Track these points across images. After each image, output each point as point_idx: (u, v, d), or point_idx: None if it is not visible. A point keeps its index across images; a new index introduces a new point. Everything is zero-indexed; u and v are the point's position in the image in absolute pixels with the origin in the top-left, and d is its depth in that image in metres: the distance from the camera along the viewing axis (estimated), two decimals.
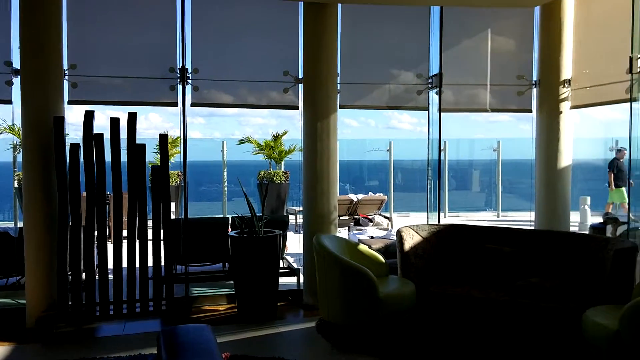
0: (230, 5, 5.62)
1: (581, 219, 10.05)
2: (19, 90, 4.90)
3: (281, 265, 5.91)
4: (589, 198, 10.30)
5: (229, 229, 5.92)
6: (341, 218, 9.38)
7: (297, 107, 5.61)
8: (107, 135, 4.95)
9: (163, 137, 5.31)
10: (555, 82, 5.75)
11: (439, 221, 5.85)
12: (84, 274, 4.98)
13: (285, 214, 9.57)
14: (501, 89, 6.03)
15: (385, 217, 9.49)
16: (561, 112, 5.77)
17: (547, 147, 5.82)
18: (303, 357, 4.28)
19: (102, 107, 5.40)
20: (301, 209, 5.85)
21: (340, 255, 4.26)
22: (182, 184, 5.82)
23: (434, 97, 5.88)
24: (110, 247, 5.02)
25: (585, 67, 5.62)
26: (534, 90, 5.95)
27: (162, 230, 5.09)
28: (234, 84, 5.56)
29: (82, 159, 4.91)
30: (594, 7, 5.57)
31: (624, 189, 10.47)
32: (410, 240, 4.92)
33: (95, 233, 4.98)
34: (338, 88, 5.55)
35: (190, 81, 5.38)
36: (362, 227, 8.15)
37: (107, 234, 6.29)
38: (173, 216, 8.80)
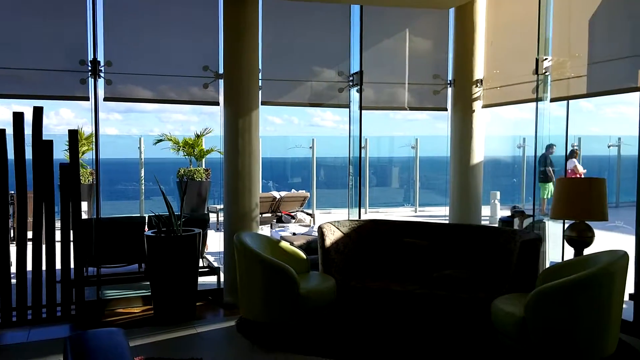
0: None
1: (491, 212, 10.62)
2: None
3: (201, 264, 5.76)
4: (498, 193, 10.91)
5: (146, 228, 5.69)
6: (264, 215, 9.32)
7: (217, 103, 5.48)
8: (10, 132, 4.61)
9: (73, 133, 5.02)
10: (468, 82, 6.01)
11: (359, 217, 5.95)
12: None
13: (206, 212, 9.35)
14: (418, 88, 6.21)
15: (307, 213, 9.53)
16: (474, 111, 6.04)
17: (460, 144, 6.07)
18: (222, 356, 4.21)
19: (7, 101, 5.02)
20: (222, 206, 5.73)
21: (261, 253, 4.22)
22: (95, 182, 5.52)
23: (355, 94, 5.96)
24: (13, 249, 4.67)
25: (495, 67, 5.92)
26: (449, 90, 6.18)
27: (71, 231, 4.80)
28: (152, 78, 5.34)
29: None
30: (504, 10, 5.88)
31: (550, 184, 11.26)
32: (332, 236, 4.96)
33: None
34: (260, 84, 5.48)
35: (102, 74, 5.11)
36: (285, 224, 8.14)
37: (12, 235, 5.84)
38: (85, 216, 8.37)
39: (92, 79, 5.08)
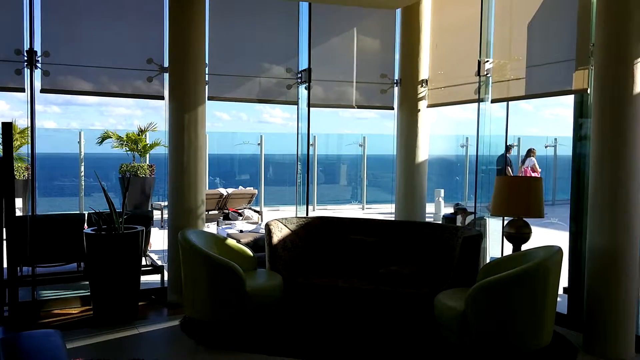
0: None
1: (436, 210, 10.90)
2: None
3: (144, 262, 5.60)
4: (442, 191, 11.21)
5: (85, 226, 5.47)
6: (210, 212, 9.16)
7: (162, 98, 5.34)
8: None
9: (6, 126, 4.74)
10: (414, 82, 6.12)
11: (307, 214, 5.95)
12: None
13: (150, 209, 9.10)
14: (366, 87, 6.28)
15: (255, 211, 9.46)
16: (419, 110, 6.16)
17: (406, 143, 6.18)
18: (165, 357, 4.11)
19: None
20: (167, 203, 5.59)
21: (206, 250, 4.14)
22: (31, 177, 5.26)
23: (303, 92, 5.95)
24: None
25: (440, 68, 6.06)
26: (396, 89, 6.28)
27: (4, 229, 4.55)
28: (93, 70, 5.13)
29: None
30: (448, 13, 6.03)
31: None
32: (279, 233, 4.94)
33: None
34: (207, 79, 5.38)
35: (39, 65, 4.88)
36: (232, 222, 8.04)
37: None
38: (20, 213, 7.97)
39: (28, 70, 4.85)
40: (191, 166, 5.19)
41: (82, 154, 10.26)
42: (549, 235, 7.54)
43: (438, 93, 6.08)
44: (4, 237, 4.60)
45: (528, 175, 11.53)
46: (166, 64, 5.24)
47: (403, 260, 4.91)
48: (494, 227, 5.62)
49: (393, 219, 6.21)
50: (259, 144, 12.63)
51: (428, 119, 6.24)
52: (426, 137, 6.23)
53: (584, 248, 4.33)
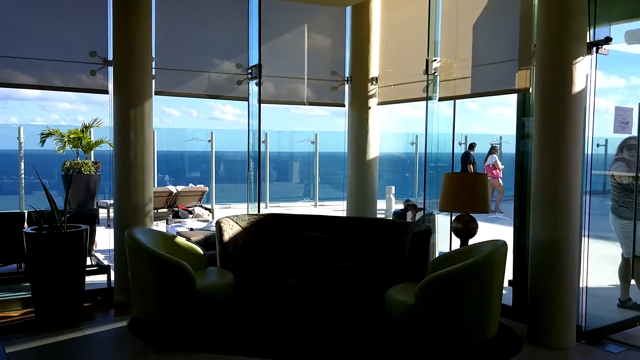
0: None
1: (387, 206, 11.06)
2: None
3: (89, 262, 5.42)
4: (393, 187, 11.39)
5: (25, 225, 5.23)
6: (159, 211, 8.96)
7: (106, 92, 5.16)
8: None
9: None
10: (364, 79, 6.18)
11: (258, 211, 5.91)
12: None
13: (95, 207, 8.80)
14: (317, 84, 6.28)
15: (206, 208, 9.31)
16: (370, 108, 6.23)
17: (357, 140, 6.24)
18: (113, 359, 3.98)
19: None
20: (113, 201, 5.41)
21: (154, 249, 4.04)
22: None
23: (253, 88, 5.89)
24: None
25: (389, 66, 6.14)
26: (347, 86, 6.32)
27: None
28: (33, 62, 4.90)
29: None
30: (397, 11, 6.11)
31: None
32: (230, 230, 4.88)
33: None
34: (153, 73, 5.24)
35: None
36: (182, 219, 7.88)
37: None
38: None
39: None
40: (138, 163, 5.04)
41: (22, 150, 9.80)
42: (495, 230, 7.79)
43: (388, 91, 6.16)
44: None
45: (491, 171, 12.01)
46: (110, 57, 5.06)
47: (355, 256, 4.95)
48: (443, 222, 5.75)
49: (345, 215, 6.26)
50: (209, 140, 12.43)
51: (378, 116, 6.32)
52: (377, 135, 6.30)
53: (528, 242, 4.49)
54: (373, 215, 6.32)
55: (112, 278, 5.30)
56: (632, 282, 4.98)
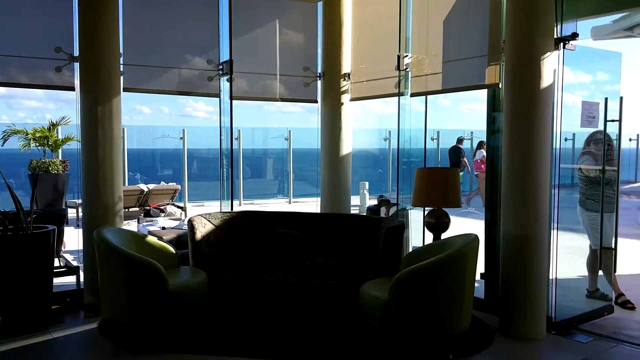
0: None
1: (361, 202, 11.11)
2: None
3: (57, 264, 5.29)
4: (367, 183, 11.44)
5: None
6: (130, 210, 8.80)
7: (73, 89, 5.03)
8: None
9: None
10: (336, 75, 6.17)
11: (231, 209, 5.85)
12: None
13: (64, 207, 8.59)
14: (289, 80, 6.24)
15: (178, 207, 9.19)
16: (342, 104, 6.22)
17: (330, 136, 6.23)
18: None
19: None
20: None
21: (124, 249, 3.96)
22: None
23: (225, 84, 5.82)
24: None
25: (361, 62, 6.14)
26: (319, 82, 6.30)
27: None
28: None
29: None
30: (368, 7, 6.11)
31: (461, 173, 12.37)
32: (202, 229, 4.82)
33: None
34: (121, 69, 5.13)
35: None
36: (154, 218, 7.76)
37: None
38: None
39: None
40: (107, 161, 4.93)
41: None
42: (467, 224, 7.89)
43: (360, 87, 6.16)
44: None
45: (479, 166, 12.24)
46: (76, 53, 4.94)
47: (329, 253, 4.94)
48: (416, 217, 5.79)
49: (318, 212, 6.25)
50: (181, 138, 12.27)
51: (351, 112, 6.31)
52: (350, 130, 6.30)
53: (499, 235, 4.55)
54: (347, 211, 6.32)
55: (82, 279, 5.19)
56: (600, 272, 5.10)
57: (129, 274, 3.93)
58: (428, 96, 5.57)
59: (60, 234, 5.62)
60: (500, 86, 4.64)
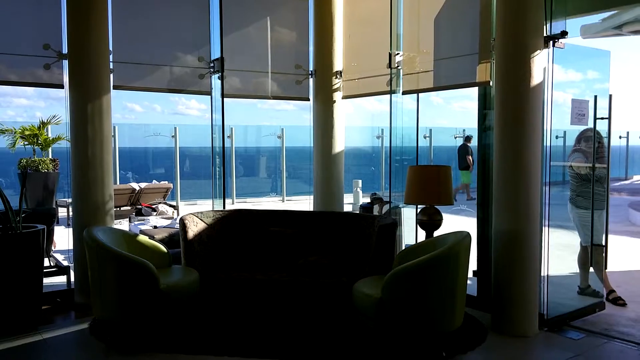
0: None
1: (354, 200, 11.11)
2: None
3: (47, 263, 5.24)
4: (360, 181, 11.44)
5: None
6: (122, 209, 8.76)
7: (62, 86, 4.98)
8: None
9: None
10: (328, 73, 6.15)
11: (224, 207, 5.82)
12: None
13: (54, 206, 8.52)
14: (281, 77, 6.22)
15: (170, 205, 9.14)
16: (334, 102, 6.21)
17: (322, 134, 6.21)
18: None
19: None
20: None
21: (114, 248, 3.93)
22: None
23: (216, 81, 5.79)
24: None
25: (353, 60, 6.13)
26: (311, 80, 6.28)
27: None
28: None
29: None
30: (360, 4, 6.10)
31: (469, 171, 12.55)
32: (194, 227, 4.80)
33: None
34: (111, 67, 5.09)
35: None
36: (145, 217, 7.71)
37: None
38: None
39: None
40: (97, 159, 4.89)
41: None
42: (460, 221, 7.91)
43: (352, 84, 6.15)
44: None
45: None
46: (65, 50, 4.89)
47: (322, 251, 4.93)
48: (409, 215, 5.80)
49: (311, 210, 6.23)
50: (173, 136, 12.21)
51: (343, 110, 6.30)
52: (342, 128, 6.29)
53: (491, 233, 4.56)
54: (340, 209, 6.32)
55: (72, 279, 5.15)
56: (591, 269, 5.12)
57: (119, 273, 3.90)
58: (420, 94, 5.57)
59: (50, 233, 5.57)
60: (491, 84, 4.64)
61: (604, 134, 5.08)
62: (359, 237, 4.88)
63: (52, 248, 5.90)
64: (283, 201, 13.62)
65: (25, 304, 4.38)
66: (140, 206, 8.48)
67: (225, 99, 5.74)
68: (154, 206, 8.44)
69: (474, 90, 5.09)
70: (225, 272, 4.56)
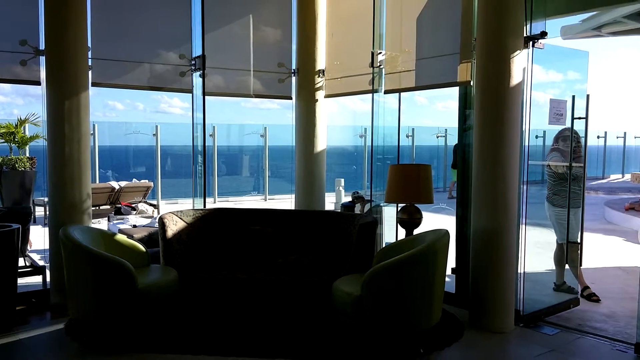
0: None
1: (337, 199, 11.10)
2: None
3: (23, 263, 5.15)
4: (343, 180, 11.44)
5: None
6: (101, 208, 8.66)
7: (38, 83, 4.90)
8: None
9: None
10: (311, 72, 6.15)
11: (204, 206, 5.78)
12: None
13: (31, 205, 8.38)
14: (264, 76, 6.19)
15: (150, 204, 9.05)
16: (317, 100, 6.21)
17: (304, 132, 6.20)
18: None
19: None
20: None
21: (91, 247, 3.88)
22: None
23: (198, 79, 5.74)
24: None
25: (336, 59, 6.13)
26: (293, 79, 6.26)
27: None
28: None
29: None
30: (343, 3, 6.10)
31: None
32: (174, 226, 4.76)
33: None
34: (90, 64, 5.02)
35: None
36: (125, 216, 7.63)
37: None
38: None
39: None
40: (74, 158, 4.82)
41: None
42: (439, 220, 7.97)
43: (335, 83, 6.15)
44: None
45: None
46: (42, 46, 4.81)
47: (303, 250, 4.93)
48: (389, 213, 5.82)
49: (293, 208, 6.22)
50: (154, 134, 12.09)
51: (326, 108, 6.30)
52: (324, 127, 6.29)
53: (470, 231, 4.60)
54: (321, 208, 6.31)
55: (48, 279, 5.07)
56: (567, 266, 5.20)
57: (96, 273, 3.85)
58: (404, 94, 5.59)
59: (26, 232, 5.48)
60: (471, 84, 4.68)
61: (581, 133, 5.16)
62: (339, 236, 4.89)
63: (28, 247, 5.80)
64: (265, 200, 13.58)
65: (0, 304, 4.30)
66: (119, 205, 8.39)
67: (207, 97, 5.70)
68: (133, 205, 8.36)
69: (458, 90, 5.13)
70: (205, 271, 4.53)
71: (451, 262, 4.45)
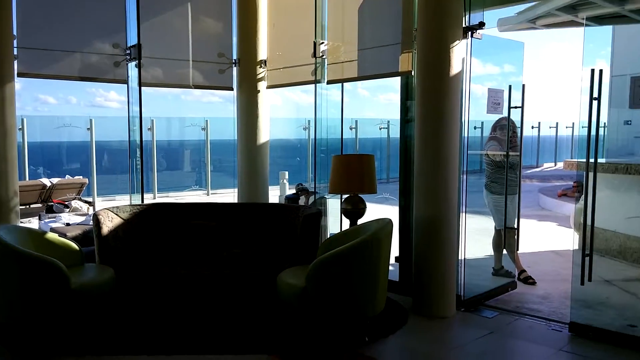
0: None
1: (281, 192, 11.04)
2: None
3: None
4: (287, 173, 11.38)
5: None
6: (32, 206, 8.20)
7: None
8: None
9: None
10: (252, 62, 6.04)
11: (142, 202, 5.57)
12: None
13: None
14: (204, 66, 6.03)
15: (85, 201, 8.66)
16: (259, 91, 6.11)
17: (246, 124, 6.10)
18: None
19: None
20: None
21: (17, 247, 3.63)
22: None
23: (133, 70, 5.51)
24: None
25: (278, 49, 6.05)
26: (234, 69, 6.13)
27: None
28: None
29: None
30: None
31: None
32: (109, 223, 4.55)
33: None
34: (15, 53, 4.70)
35: None
36: (57, 214, 7.25)
37: None
38: None
39: None
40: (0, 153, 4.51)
41: None
42: (383, 209, 8.06)
43: (277, 74, 6.07)
44: None
45: None
46: None
47: (246, 243, 4.85)
48: (333, 205, 5.82)
49: (235, 202, 6.11)
50: (88, 128, 11.57)
51: (268, 100, 6.21)
52: (267, 119, 6.21)
53: (412, 219, 4.66)
54: (265, 201, 6.24)
55: None
56: (504, 251, 5.38)
57: (24, 273, 3.62)
58: (347, 86, 5.59)
59: None
60: (413, 74, 4.72)
61: (517, 123, 5.33)
62: (284, 228, 4.83)
63: None
64: (208, 195, 13.32)
65: None
66: (51, 203, 7.97)
67: (144, 88, 5.49)
68: (66, 202, 7.96)
69: (399, 82, 5.17)
70: (144, 268, 4.36)
71: (395, 251, 4.49)
